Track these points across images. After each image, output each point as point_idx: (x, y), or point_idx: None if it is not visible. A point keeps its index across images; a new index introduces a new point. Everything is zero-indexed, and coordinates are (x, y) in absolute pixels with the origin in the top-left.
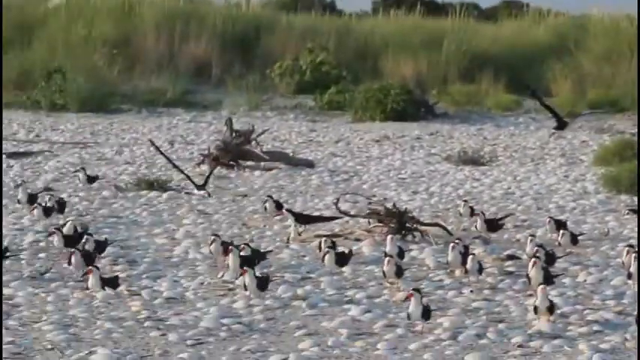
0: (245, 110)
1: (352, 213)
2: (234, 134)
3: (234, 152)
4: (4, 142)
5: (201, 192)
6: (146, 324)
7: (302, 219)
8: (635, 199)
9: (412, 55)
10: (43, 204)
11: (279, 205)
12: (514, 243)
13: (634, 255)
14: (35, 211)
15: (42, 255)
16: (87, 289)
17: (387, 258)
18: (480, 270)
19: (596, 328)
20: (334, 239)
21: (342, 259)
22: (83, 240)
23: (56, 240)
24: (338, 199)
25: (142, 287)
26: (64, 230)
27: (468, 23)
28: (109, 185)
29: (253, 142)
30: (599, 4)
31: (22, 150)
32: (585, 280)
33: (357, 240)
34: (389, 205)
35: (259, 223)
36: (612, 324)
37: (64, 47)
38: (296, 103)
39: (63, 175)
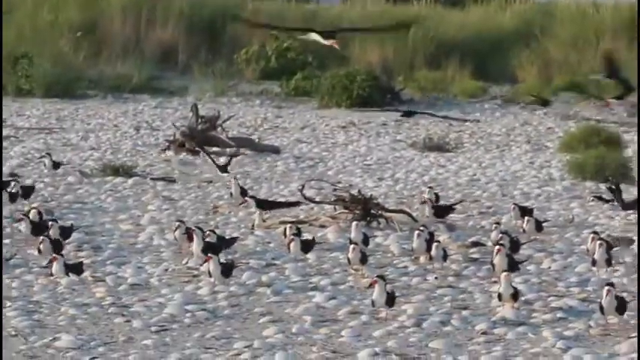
0: (211, 96)
1: (317, 199)
2: (199, 120)
3: (200, 138)
4: None
5: (225, 174)
6: (110, 310)
7: (266, 205)
8: (601, 185)
9: (379, 42)
10: (9, 190)
11: (244, 192)
12: (479, 230)
13: (598, 242)
14: None
15: (6, 241)
16: (51, 275)
17: (352, 245)
18: (445, 257)
19: (560, 315)
20: (299, 226)
21: (306, 246)
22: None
23: (24, 226)
24: (303, 186)
25: (106, 273)
26: (30, 216)
27: (435, 10)
28: (75, 171)
29: (219, 128)
30: None
31: None
32: (549, 267)
33: (322, 226)
34: (354, 192)
35: (224, 209)
36: (576, 311)
37: (30, 32)
38: (262, 89)
39: (28, 160)
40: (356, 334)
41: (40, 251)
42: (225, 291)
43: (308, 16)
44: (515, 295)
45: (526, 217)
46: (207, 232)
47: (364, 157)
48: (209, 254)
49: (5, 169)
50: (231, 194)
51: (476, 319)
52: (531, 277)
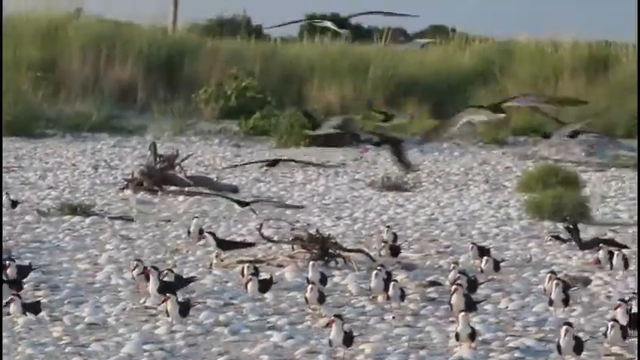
0: (170, 135)
1: (275, 239)
2: (158, 159)
3: (158, 177)
4: None
5: (247, 208)
6: (67, 350)
7: (225, 245)
8: (559, 225)
9: (337, 81)
10: None
11: (202, 231)
12: (437, 269)
13: (555, 282)
14: None
15: None
16: (8, 314)
17: (310, 284)
18: (403, 296)
19: (517, 354)
20: (257, 265)
21: (264, 286)
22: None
23: None
24: (261, 225)
25: (63, 313)
26: None
27: (393, 49)
28: (32, 210)
29: (177, 167)
30: (526, 29)
31: None
32: (507, 307)
33: (280, 266)
34: (312, 231)
35: (182, 248)
36: (533, 350)
37: None
38: (221, 127)
39: None
40: None
41: None
42: (183, 330)
43: (267, 54)
44: (473, 335)
45: (484, 257)
46: (165, 272)
47: (322, 196)
48: (167, 294)
49: None
50: (189, 233)
51: (433, 358)
52: (489, 317)
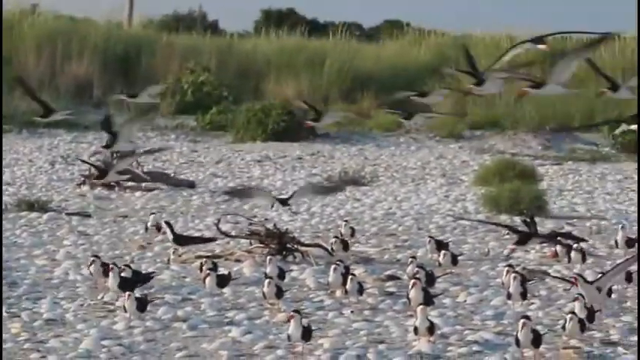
0: None
1: (233, 234)
2: (114, 155)
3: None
4: None
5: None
6: (26, 346)
7: (183, 240)
8: (516, 218)
9: (294, 75)
10: None
11: (159, 227)
12: (395, 263)
13: (513, 275)
14: None
15: None
16: None
17: (267, 279)
18: (361, 291)
19: (475, 348)
20: (215, 260)
21: (222, 281)
22: None
23: None
24: (219, 220)
25: (21, 309)
26: None
27: (350, 43)
28: None
29: (134, 163)
30: (481, 23)
31: None
32: (465, 301)
33: (238, 261)
34: (269, 226)
35: (139, 243)
36: (492, 344)
37: None
38: (177, 123)
39: None
40: None
41: None
42: (141, 326)
43: (224, 49)
44: (431, 329)
45: (442, 251)
46: (123, 267)
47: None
48: (128, 291)
49: None
50: (146, 229)
51: (392, 352)
52: (447, 311)
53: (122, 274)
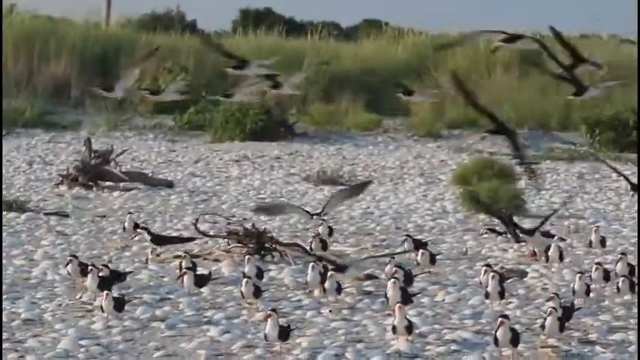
0: (104, 131)
1: (211, 233)
2: (92, 155)
3: (93, 173)
4: None
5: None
6: (4, 346)
7: (161, 240)
8: (494, 219)
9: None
10: None
11: (137, 226)
12: (373, 262)
13: (491, 274)
14: None
15: None
16: None
17: (246, 279)
18: (339, 290)
19: (454, 347)
20: (193, 260)
21: (200, 280)
22: None
23: None
24: (197, 220)
25: None
26: None
27: (328, 43)
28: None
29: (112, 163)
30: (458, 23)
31: None
32: (443, 300)
33: (217, 260)
34: (248, 226)
35: (118, 243)
36: (470, 343)
37: None
38: (155, 123)
39: None
40: None
41: None
42: (120, 326)
43: (201, 49)
44: (410, 328)
45: (420, 250)
46: (101, 267)
47: (258, 190)
48: (106, 291)
49: None
50: (124, 229)
51: (370, 352)
52: (425, 310)
53: (100, 274)
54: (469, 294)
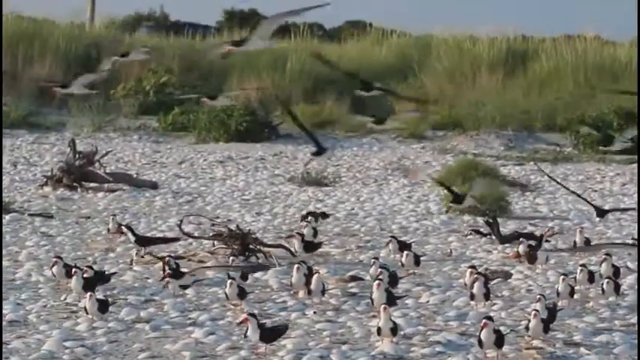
0: (89, 132)
1: (196, 235)
2: (77, 156)
3: (77, 174)
4: None
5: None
6: None
7: (145, 241)
8: (478, 219)
9: (256, 76)
10: None
11: (120, 229)
12: (357, 264)
13: (476, 276)
14: None
15: None
16: None
17: (230, 280)
18: (324, 291)
19: (438, 349)
20: (177, 261)
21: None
22: None
23: None
24: (181, 221)
25: None
26: None
27: (312, 44)
28: None
29: (96, 164)
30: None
31: None
32: (428, 301)
33: (201, 262)
34: (232, 227)
35: (102, 245)
36: (455, 345)
37: None
38: (140, 124)
39: None
40: None
41: None
42: (104, 327)
43: (186, 50)
44: (394, 330)
45: (405, 251)
46: (85, 269)
47: (242, 191)
48: (90, 292)
49: None
50: (108, 230)
51: (355, 353)
52: (410, 312)
53: (85, 276)
54: (454, 295)
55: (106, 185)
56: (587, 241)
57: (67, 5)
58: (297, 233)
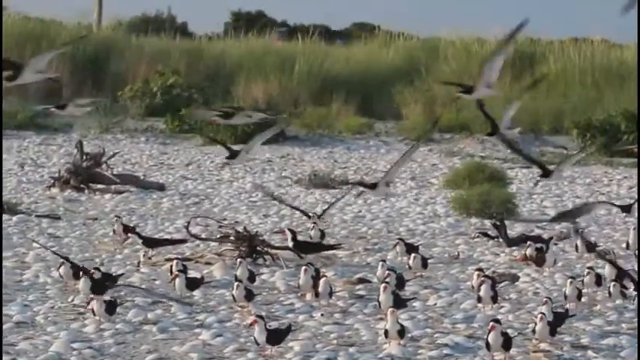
0: (96, 133)
1: (203, 236)
2: (84, 157)
3: (85, 175)
4: None
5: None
6: None
7: (152, 243)
8: (486, 221)
9: (264, 78)
10: None
11: (127, 229)
12: (365, 266)
13: (483, 278)
14: None
15: None
16: None
17: (237, 282)
18: (331, 293)
19: (446, 351)
20: (185, 263)
21: (192, 284)
22: None
23: None
24: (189, 223)
25: None
26: None
27: (319, 46)
28: None
29: (104, 165)
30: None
31: None
32: (435, 304)
33: (208, 264)
34: (239, 229)
35: (109, 246)
36: (462, 347)
37: None
38: (147, 125)
39: None
40: None
41: None
42: (112, 329)
43: (193, 52)
44: (402, 332)
45: (412, 254)
46: (93, 270)
47: (249, 193)
48: (96, 294)
49: None
50: (113, 231)
51: (362, 356)
52: (417, 314)
53: (93, 277)
54: (461, 298)
55: (113, 187)
56: (589, 245)
57: (74, 7)
58: (288, 229)
